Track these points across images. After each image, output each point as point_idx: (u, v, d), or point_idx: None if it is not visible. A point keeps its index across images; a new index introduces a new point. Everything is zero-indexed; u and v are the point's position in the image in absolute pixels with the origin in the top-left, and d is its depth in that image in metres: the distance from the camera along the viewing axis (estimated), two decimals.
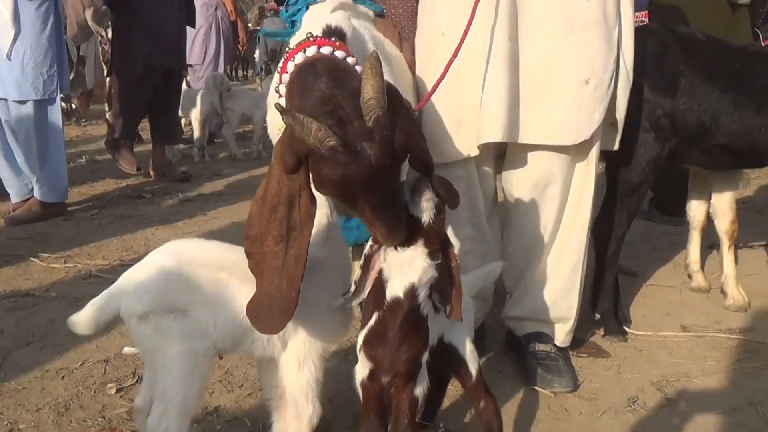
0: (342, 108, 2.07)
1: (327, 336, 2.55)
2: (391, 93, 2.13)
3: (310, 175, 2.14)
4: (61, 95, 6.53)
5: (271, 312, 2.29)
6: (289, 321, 2.30)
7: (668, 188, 5.57)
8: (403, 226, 2.17)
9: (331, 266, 2.47)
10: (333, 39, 2.44)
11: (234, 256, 2.48)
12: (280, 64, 2.44)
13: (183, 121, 10.01)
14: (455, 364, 2.65)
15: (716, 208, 4.36)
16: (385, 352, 2.27)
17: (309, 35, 2.43)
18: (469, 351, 2.64)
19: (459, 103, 3.20)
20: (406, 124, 2.16)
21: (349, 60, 2.40)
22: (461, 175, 3.29)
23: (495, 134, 3.15)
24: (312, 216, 2.24)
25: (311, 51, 2.38)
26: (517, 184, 3.42)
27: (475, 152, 3.24)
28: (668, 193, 5.65)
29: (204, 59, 10.01)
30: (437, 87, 2.99)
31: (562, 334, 3.55)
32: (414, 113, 2.40)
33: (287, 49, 2.73)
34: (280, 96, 2.46)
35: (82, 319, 2.44)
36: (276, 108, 2.04)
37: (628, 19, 3.33)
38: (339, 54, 2.39)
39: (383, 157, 2.03)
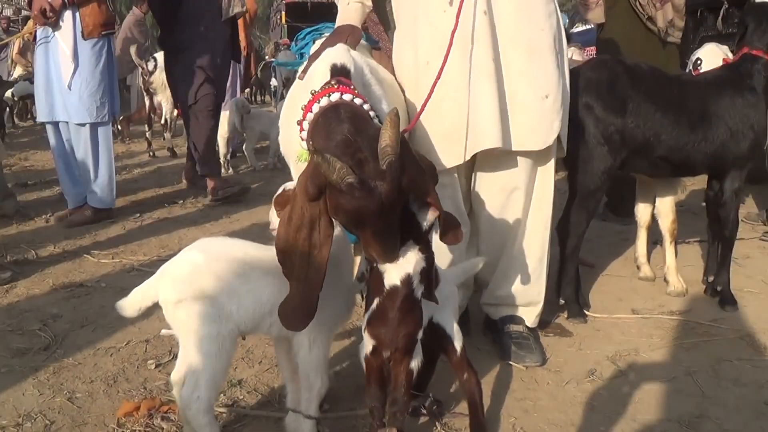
0: (361, 151, 2.16)
1: (333, 319, 2.57)
2: (403, 142, 2.20)
3: (328, 204, 2.20)
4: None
5: (296, 313, 2.33)
6: (310, 321, 2.34)
7: (618, 194, 5.57)
8: (396, 249, 2.27)
9: (337, 261, 2.47)
10: (343, 78, 2.45)
11: (255, 251, 2.52)
12: (305, 103, 2.45)
13: None
14: (443, 341, 2.66)
15: (659, 209, 4.38)
16: (386, 331, 2.31)
17: (333, 82, 2.44)
18: (455, 331, 2.66)
19: (446, 120, 3.19)
20: (412, 168, 2.25)
21: (365, 106, 2.43)
22: (448, 182, 3.27)
23: (491, 142, 3.16)
24: (329, 237, 2.28)
25: (335, 97, 2.40)
26: (489, 188, 3.41)
27: (461, 161, 3.23)
28: (619, 198, 5.66)
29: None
30: (424, 108, 3.00)
31: (532, 317, 3.56)
32: (423, 160, 2.46)
33: (299, 75, 2.73)
34: (302, 130, 2.47)
35: (127, 304, 2.49)
36: (309, 149, 2.15)
37: (564, 48, 3.42)
38: (357, 101, 2.41)
39: (392, 195, 2.13)
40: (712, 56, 4.74)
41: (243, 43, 9.64)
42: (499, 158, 3.32)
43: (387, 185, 2.12)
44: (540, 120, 3.26)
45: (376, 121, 2.49)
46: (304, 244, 2.27)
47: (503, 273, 3.53)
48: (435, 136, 3.21)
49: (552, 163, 3.42)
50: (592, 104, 3.69)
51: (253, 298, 2.43)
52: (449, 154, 3.24)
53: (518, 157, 3.33)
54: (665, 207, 4.37)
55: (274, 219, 2.52)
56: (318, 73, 2.65)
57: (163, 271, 2.48)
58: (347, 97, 2.42)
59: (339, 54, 2.71)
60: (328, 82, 2.47)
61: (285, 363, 2.67)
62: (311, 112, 2.43)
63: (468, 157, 3.23)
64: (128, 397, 3.09)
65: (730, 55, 4.79)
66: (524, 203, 3.42)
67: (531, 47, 3.23)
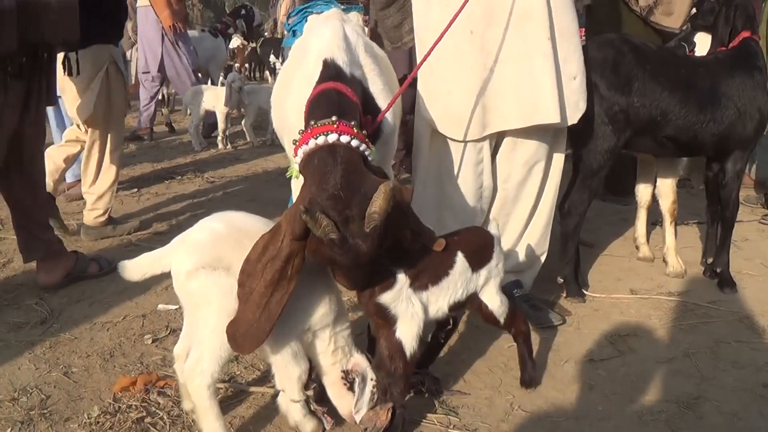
0: (349, 208, 2.20)
1: (307, 318, 2.54)
2: (404, 204, 2.34)
3: (308, 245, 2.26)
4: None
5: (246, 337, 2.36)
6: (258, 347, 2.41)
7: (617, 173, 5.54)
8: (364, 283, 2.48)
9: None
10: (343, 122, 2.41)
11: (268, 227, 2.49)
12: (300, 135, 2.43)
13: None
14: (489, 319, 2.86)
15: (660, 190, 4.37)
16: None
17: (333, 121, 2.39)
18: (498, 306, 2.84)
19: (494, 91, 3.28)
20: (400, 218, 2.33)
21: (362, 147, 2.39)
22: (480, 159, 3.44)
23: (551, 117, 3.28)
24: (296, 275, 2.32)
25: (332, 138, 2.34)
26: (512, 162, 3.48)
27: (511, 127, 3.36)
28: (617, 178, 5.63)
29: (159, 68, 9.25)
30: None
31: (529, 280, 3.70)
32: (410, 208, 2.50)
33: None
34: (296, 155, 2.45)
35: (132, 266, 2.48)
36: (300, 212, 2.13)
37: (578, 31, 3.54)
38: (354, 143, 2.36)
39: (369, 254, 2.24)
40: (707, 41, 4.70)
41: (167, 22, 8.92)
42: (525, 133, 3.40)
43: (367, 246, 2.20)
44: (568, 99, 3.37)
45: (374, 123, 2.59)
46: (273, 275, 2.29)
47: (515, 241, 3.62)
48: (473, 107, 3.26)
49: (565, 136, 3.59)
50: (597, 83, 3.66)
51: None
52: (489, 124, 3.31)
53: (542, 133, 3.42)
54: (666, 187, 4.35)
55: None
56: (311, 63, 2.68)
57: (181, 239, 2.48)
58: (345, 138, 2.36)
59: (333, 44, 2.70)
60: (330, 120, 2.40)
61: (264, 351, 2.63)
62: (306, 144, 2.38)
63: (523, 126, 3.32)
64: (125, 372, 3.08)
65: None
66: (542, 176, 3.55)
67: (561, 29, 3.31)
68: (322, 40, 2.71)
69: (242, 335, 2.34)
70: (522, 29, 3.22)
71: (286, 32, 3.66)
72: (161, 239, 2.60)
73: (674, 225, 4.38)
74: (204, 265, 2.37)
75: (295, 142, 2.46)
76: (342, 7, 3.28)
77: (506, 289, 3.49)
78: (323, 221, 2.11)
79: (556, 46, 3.28)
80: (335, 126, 2.36)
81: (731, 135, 3.86)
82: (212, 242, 2.41)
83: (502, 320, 2.84)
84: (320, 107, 2.45)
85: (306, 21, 3.23)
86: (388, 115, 2.76)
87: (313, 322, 2.53)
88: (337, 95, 2.50)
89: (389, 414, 2.50)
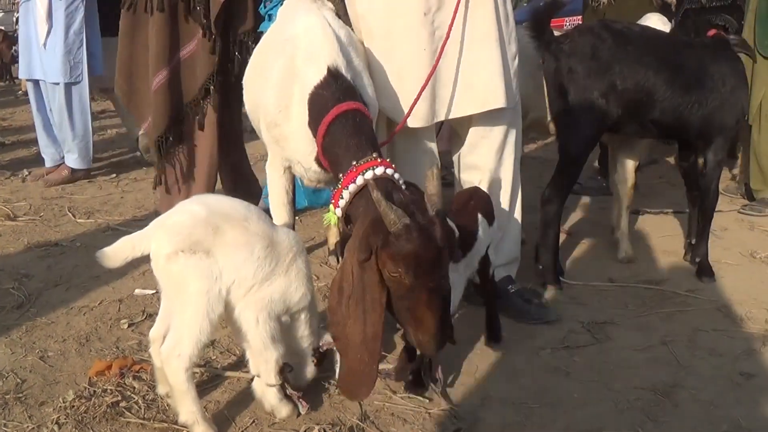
0: (412, 210, 2.28)
1: (282, 302, 2.54)
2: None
3: (386, 258, 2.25)
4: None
5: (359, 384, 2.37)
6: (372, 388, 2.40)
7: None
8: (444, 338, 2.45)
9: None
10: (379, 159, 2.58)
11: (251, 212, 2.52)
12: (344, 175, 2.56)
13: None
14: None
15: (620, 174, 4.36)
16: None
17: (374, 157, 2.56)
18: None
19: (446, 76, 3.24)
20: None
21: (396, 176, 2.55)
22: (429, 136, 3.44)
23: (498, 102, 3.27)
24: (381, 303, 2.32)
25: (380, 170, 2.51)
26: (486, 150, 3.45)
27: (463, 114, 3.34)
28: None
29: None
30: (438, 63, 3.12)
31: (515, 270, 3.68)
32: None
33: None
34: (340, 199, 2.58)
35: (112, 253, 2.44)
36: (374, 198, 2.23)
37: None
38: (395, 175, 2.56)
39: (445, 240, 2.26)
40: (662, 25, 4.68)
41: None
42: (491, 120, 3.38)
43: (439, 229, 2.26)
44: (512, 81, 3.37)
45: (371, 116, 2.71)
46: (357, 309, 2.30)
47: (500, 233, 3.57)
48: (426, 92, 3.18)
49: (520, 116, 3.59)
50: (577, 70, 3.66)
51: (243, 257, 2.41)
52: (440, 111, 3.27)
53: (503, 117, 3.40)
54: (626, 172, 4.34)
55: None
56: (299, 60, 2.76)
57: (160, 222, 2.46)
58: (389, 171, 2.54)
59: (329, 46, 2.75)
60: (371, 156, 2.56)
61: (239, 336, 2.62)
62: (354, 182, 2.52)
63: (477, 112, 3.30)
64: (100, 356, 3.07)
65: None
66: (511, 161, 3.52)
67: (502, 10, 3.33)
68: (313, 38, 2.74)
69: (353, 383, 2.39)
70: (472, 13, 3.19)
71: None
72: (140, 225, 2.57)
73: (629, 210, 4.40)
74: (183, 249, 2.34)
75: (333, 193, 2.61)
76: None
77: (501, 284, 3.50)
78: (393, 206, 2.21)
79: (501, 28, 3.28)
80: (378, 161, 2.54)
81: (714, 120, 3.84)
82: (192, 225, 2.39)
83: (490, 273, 3.07)
84: (350, 135, 2.60)
85: (281, 4, 3.22)
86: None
87: (291, 305, 2.53)
88: (361, 118, 2.64)
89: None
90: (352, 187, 2.51)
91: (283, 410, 2.59)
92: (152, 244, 2.41)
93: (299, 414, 2.63)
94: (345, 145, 2.58)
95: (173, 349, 2.37)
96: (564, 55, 3.73)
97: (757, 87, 5.19)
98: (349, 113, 2.61)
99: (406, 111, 3.13)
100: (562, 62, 3.73)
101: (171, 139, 4.44)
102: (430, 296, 2.28)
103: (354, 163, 2.53)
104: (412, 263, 2.22)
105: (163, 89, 4.28)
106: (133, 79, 4.48)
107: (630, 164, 4.33)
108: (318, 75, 2.68)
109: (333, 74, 2.68)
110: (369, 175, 2.46)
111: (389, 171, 2.52)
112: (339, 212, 2.57)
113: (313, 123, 2.68)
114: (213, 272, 2.35)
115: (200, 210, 2.44)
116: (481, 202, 3.02)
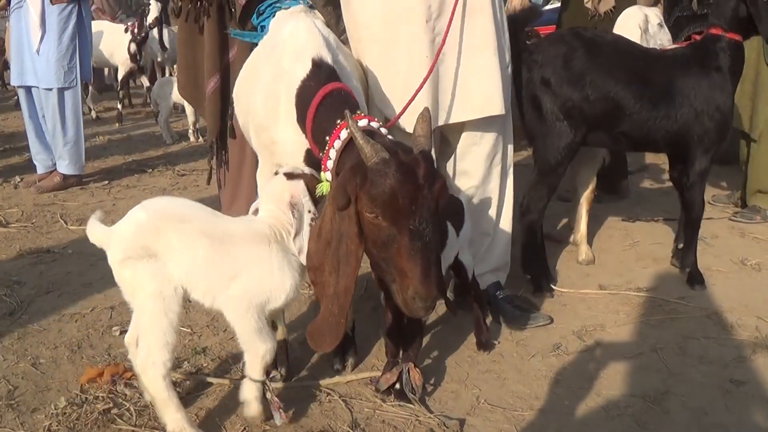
0: (394, 149, 2.20)
1: (265, 294, 2.52)
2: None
3: (365, 199, 2.14)
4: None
5: (322, 333, 2.34)
6: (338, 342, 2.36)
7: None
8: (436, 286, 2.17)
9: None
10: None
11: (198, 212, 2.55)
12: (330, 137, 2.53)
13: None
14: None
15: (582, 178, 4.39)
16: None
17: (357, 113, 2.53)
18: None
19: (446, 83, 3.26)
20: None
21: (383, 130, 2.52)
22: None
23: (497, 109, 3.29)
24: (357, 255, 2.24)
25: (363, 123, 2.47)
26: (477, 157, 3.46)
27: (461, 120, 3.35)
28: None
29: None
30: (432, 69, 3.10)
31: (504, 276, 3.68)
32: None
33: None
34: (328, 160, 2.53)
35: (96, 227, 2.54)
36: (351, 131, 2.21)
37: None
38: (381, 129, 2.54)
39: (428, 178, 2.12)
40: (626, 18, 4.65)
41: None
42: (483, 126, 3.39)
43: (422, 167, 2.13)
44: (506, 89, 3.38)
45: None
46: (333, 259, 2.26)
47: (489, 241, 3.61)
48: (428, 98, 3.18)
49: (511, 125, 3.57)
50: (550, 79, 3.69)
51: (190, 256, 2.42)
52: (439, 117, 3.28)
53: (495, 125, 3.42)
54: (588, 176, 4.37)
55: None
56: (286, 60, 2.76)
57: (111, 230, 2.49)
58: (375, 124, 2.52)
59: (315, 41, 2.76)
60: (356, 112, 2.54)
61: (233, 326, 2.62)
62: (339, 139, 2.49)
63: (474, 118, 3.32)
64: (92, 364, 3.08)
65: (654, 17, 4.73)
66: (501, 168, 3.52)
67: (499, 18, 3.33)
68: (298, 38, 2.75)
69: (318, 332, 2.34)
70: (471, 21, 3.20)
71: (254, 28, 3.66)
72: None
73: (588, 213, 4.44)
74: (131, 255, 2.40)
75: (321, 154, 2.56)
76: (308, 3, 3.29)
77: (488, 290, 3.52)
78: (371, 141, 2.16)
79: (500, 37, 3.30)
80: (362, 115, 2.52)
81: (688, 134, 3.82)
82: (135, 232, 2.43)
83: (470, 275, 3.11)
84: (338, 106, 2.55)
85: (273, 17, 3.24)
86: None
87: (282, 299, 2.55)
88: (346, 95, 2.63)
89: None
90: (337, 144, 2.47)
91: (252, 409, 2.58)
92: (108, 253, 2.47)
93: (270, 419, 2.61)
94: (333, 118, 2.54)
95: (146, 358, 2.40)
96: (536, 66, 3.77)
97: (763, 100, 5.12)
98: (334, 92, 2.61)
99: (409, 118, 3.15)
100: (534, 72, 3.77)
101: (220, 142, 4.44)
102: (412, 241, 2.10)
103: (339, 122, 2.50)
104: (389, 201, 2.09)
105: (215, 94, 4.29)
106: (199, 82, 4.47)
107: (591, 169, 4.37)
108: (304, 70, 2.69)
109: (317, 64, 2.69)
110: (353, 125, 2.34)
111: (374, 124, 2.51)
112: (329, 175, 2.51)
113: (301, 116, 2.67)
114: (163, 274, 2.39)
115: (142, 215, 2.47)
116: (449, 209, 2.90)
